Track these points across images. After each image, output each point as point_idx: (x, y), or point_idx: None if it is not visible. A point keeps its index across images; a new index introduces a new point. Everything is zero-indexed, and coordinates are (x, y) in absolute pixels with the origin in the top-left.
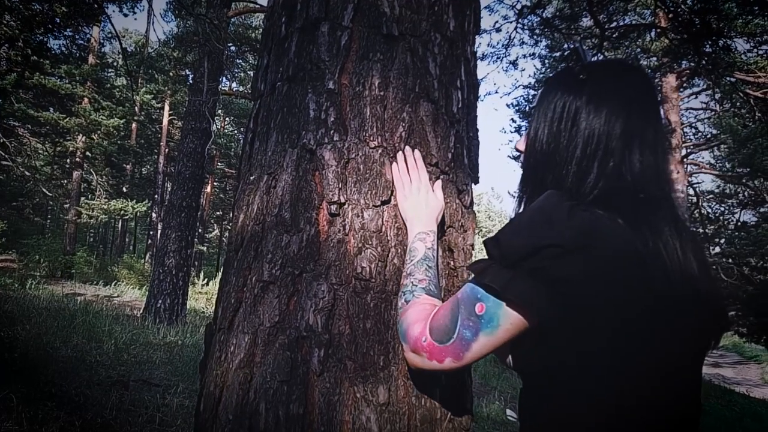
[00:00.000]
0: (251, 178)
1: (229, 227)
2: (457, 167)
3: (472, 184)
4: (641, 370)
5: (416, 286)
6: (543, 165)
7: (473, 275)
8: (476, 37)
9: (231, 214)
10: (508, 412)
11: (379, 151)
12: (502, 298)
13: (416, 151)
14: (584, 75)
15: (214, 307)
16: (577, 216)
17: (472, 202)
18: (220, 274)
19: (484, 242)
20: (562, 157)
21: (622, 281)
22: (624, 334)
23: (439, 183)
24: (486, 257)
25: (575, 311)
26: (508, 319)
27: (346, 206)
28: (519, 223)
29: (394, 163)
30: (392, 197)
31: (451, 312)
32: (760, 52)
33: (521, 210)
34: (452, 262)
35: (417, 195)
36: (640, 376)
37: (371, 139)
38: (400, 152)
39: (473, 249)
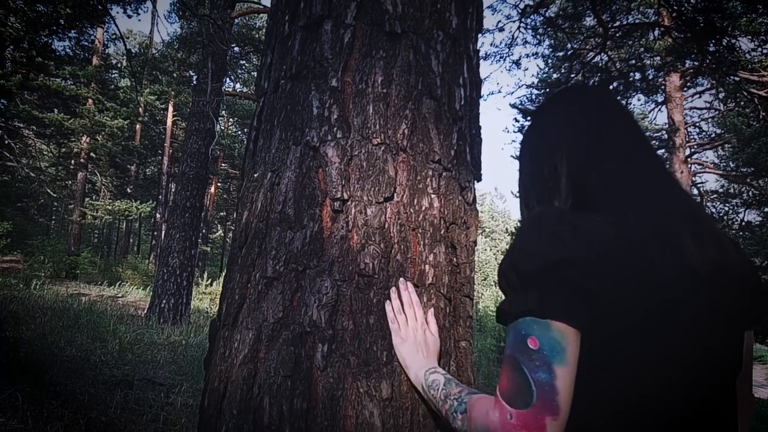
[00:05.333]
0: (255, 175)
1: (233, 228)
2: (460, 164)
3: (475, 182)
4: (658, 368)
5: (460, 395)
6: (528, 191)
7: (505, 319)
8: (479, 35)
9: (235, 213)
10: None
11: (382, 148)
12: (544, 317)
13: (409, 284)
14: (533, 115)
15: (218, 304)
16: (577, 226)
17: (474, 199)
18: (223, 274)
19: (500, 273)
20: (537, 181)
21: (630, 278)
22: (638, 333)
23: (431, 312)
24: (504, 298)
25: (600, 317)
26: (565, 337)
27: (349, 203)
28: (525, 244)
29: (388, 301)
30: (395, 194)
31: (512, 369)
32: (765, 51)
33: (522, 227)
34: (455, 259)
35: (414, 337)
36: (657, 376)
37: (374, 136)
38: (394, 288)
39: (476, 246)
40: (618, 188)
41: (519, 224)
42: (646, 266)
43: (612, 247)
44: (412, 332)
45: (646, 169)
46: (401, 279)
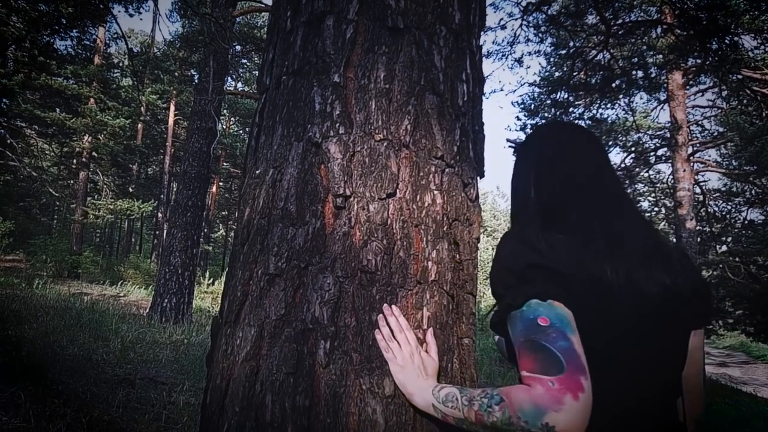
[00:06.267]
0: (257, 171)
1: (235, 227)
2: (463, 160)
3: (478, 178)
4: (622, 363)
5: (486, 392)
6: (514, 209)
7: (511, 310)
8: (482, 31)
9: (236, 211)
10: None
11: (385, 144)
12: (546, 299)
13: (394, 307)
14: (517, 148)
15: (220, 301)
16: (549, 242)
17: (477, 196)
18: (225, 273)
19: (494, 279)
20: (516, 202)
21: (590, 290)
22: (596, 333)
23: (431, 331)
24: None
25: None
26: (566, 313)
27: (351, 199)
28: (511, 252)
29: (377, 330)
30: (397, 190)
31: (534, 349)
32: None
33: (499, 244)
34: (458, 256)
35: (411, 362)
36: (621, 369)
37: (377, 132)
38: (381, 316)
39: (478, 242)
40: (580, 212)
41: (502, 240)
42: (604, 278)
43: (576, 261)
44: (409, 357)
45: (607, 195)
46: (384, 305)
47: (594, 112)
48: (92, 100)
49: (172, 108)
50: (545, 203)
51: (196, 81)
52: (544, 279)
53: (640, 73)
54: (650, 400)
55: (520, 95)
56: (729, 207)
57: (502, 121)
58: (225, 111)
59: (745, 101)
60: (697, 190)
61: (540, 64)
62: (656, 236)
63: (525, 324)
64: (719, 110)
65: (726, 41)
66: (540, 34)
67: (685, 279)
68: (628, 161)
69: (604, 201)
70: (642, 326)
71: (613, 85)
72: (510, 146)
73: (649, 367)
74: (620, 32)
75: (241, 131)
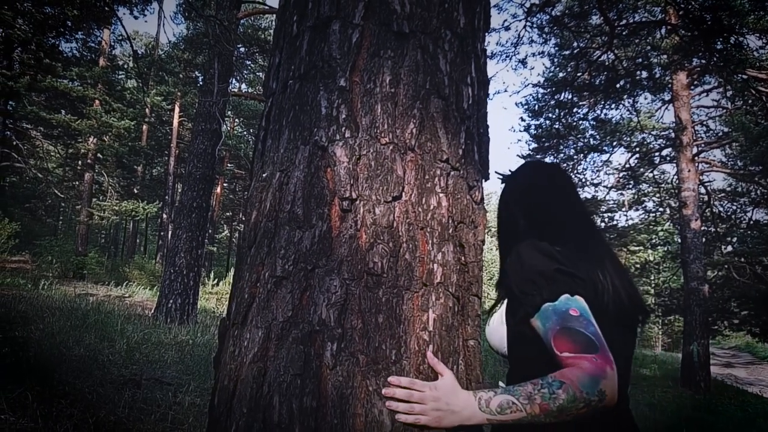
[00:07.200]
0: (264, 175)
1: (240, 228)
2: (468, 163)
3: (483, 180)
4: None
5: (541, 382)
6: (500, 230)
7: (543, 304)
8: (486, 34)
9: (242, 213)
10: None
11: (390, 147)
12: (573, 294)
13: (392, 378)
14: (505, 179)
15: (227, 303)
16: (560, 251)
17: (482, 198)
18: (230, 274)
19: (523, 281)
20: (503, 223)
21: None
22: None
23: (447, 374)
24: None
25: None
26: (587, 306)
27: (357, 202)
28: (533, 260)
29: (390, 402)
30: (403, 193)
31: (571, 334)
32: None
33: (520, 253)
34: (463, 258)
35: (437, 403)
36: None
37: (382, 135)
38: (385, 390)
39: (484, 245)
40: (565, 231)
41: (515, 252)
42: (597, 281)
43: (578, 268)
44: (433, 402)
45: (582, 219)
46: (383, 390)
47: (598, 112)
48: (97, 101)
49: (177, 109)
50: (536, 224)
51: (201, 83)
52: (568, 280)
53: (644, 74)
54: (622, 386)
55: (524, 96)
56: (734, 207)
57: (506, 122)
58: (229, 112)
59: (750, 101)
60: (702, 190)
61: (544, 65)
62: (614, 252)
63: (559, 315)
64: (724, 110)
65: (731, 41)
66: (544, 35)
67: (636, 289)
68: (632, 161)
69: (580, 223)
70: (618, 322)
71: (618, 85)
72: (498, 177)
73: (624, 354)
74: (624, 33)
75: (245, 133)
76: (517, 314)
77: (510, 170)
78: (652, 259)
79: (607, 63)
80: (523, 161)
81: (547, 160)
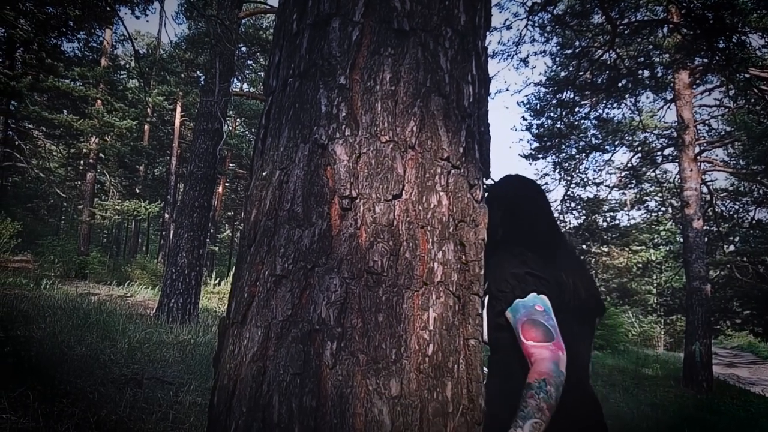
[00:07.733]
0: (263, 173)
1: (241, 227)
2: (468, 161)
3: (483, 179)
4: (569, 340)
5: (533, 388)
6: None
7: (516, 300)
8: (487, 32)
9: (243, 212)
10: None
11: (391, 145)
12: (540, 293)
13: None
14: (489, 191)
15: (227, 302)
16: (532, 256)
17: (483, 197)
18: (231, 273)
19: (509, 277)
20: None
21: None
22: (558, 316)
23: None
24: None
25: None
26: (549, 303)
27: (357, 201)
28: (511, 265)
29: None
30: (403, 191)
31: (535, 324)
32: None
33: (499, 258)
34: (464, 257)
35: None
36: (569, 345)
37: (382, 133)
38: None
39: (484, 243)
40: (538, 238)
41: (495, 257)
42: (561, 282)
43: (546, 270)
44: None
45: (552, 228)
46: None
47: (600, 111)
48: (99, 101)
49: (179, 109)
50: (513, 232)
51: (203, 82)
52: (536, 281)
53: (646, 73)
54: (582, 372)
55: (526, 95)
56: (736, 207)
57: (507, 122)
58: (231, 112)
59: (752, 100)
60: (704, 189)
61: (546, 63)
62: (579, 257)
63: (527, 309)
64: (726, 109)
65: (733, 40)
66: (545, 34)
67: (596, 288)
68: (634, 161)
69: (550, 232)
70: (578, 315)
71: (620, 84)
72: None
73: (583, 340)
74: (626, 32)
75: (247, 132)
76: (495, 308)
77: (493, 180)
78: (654, 258)
79: (609, 62)
80: (523, 160)
81: (548, 160)
